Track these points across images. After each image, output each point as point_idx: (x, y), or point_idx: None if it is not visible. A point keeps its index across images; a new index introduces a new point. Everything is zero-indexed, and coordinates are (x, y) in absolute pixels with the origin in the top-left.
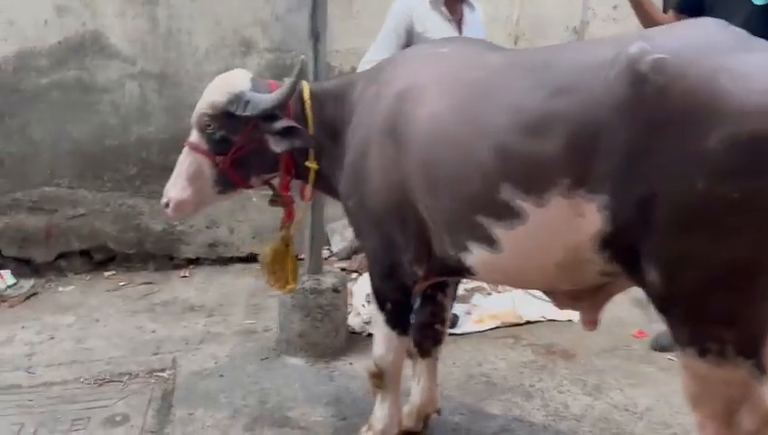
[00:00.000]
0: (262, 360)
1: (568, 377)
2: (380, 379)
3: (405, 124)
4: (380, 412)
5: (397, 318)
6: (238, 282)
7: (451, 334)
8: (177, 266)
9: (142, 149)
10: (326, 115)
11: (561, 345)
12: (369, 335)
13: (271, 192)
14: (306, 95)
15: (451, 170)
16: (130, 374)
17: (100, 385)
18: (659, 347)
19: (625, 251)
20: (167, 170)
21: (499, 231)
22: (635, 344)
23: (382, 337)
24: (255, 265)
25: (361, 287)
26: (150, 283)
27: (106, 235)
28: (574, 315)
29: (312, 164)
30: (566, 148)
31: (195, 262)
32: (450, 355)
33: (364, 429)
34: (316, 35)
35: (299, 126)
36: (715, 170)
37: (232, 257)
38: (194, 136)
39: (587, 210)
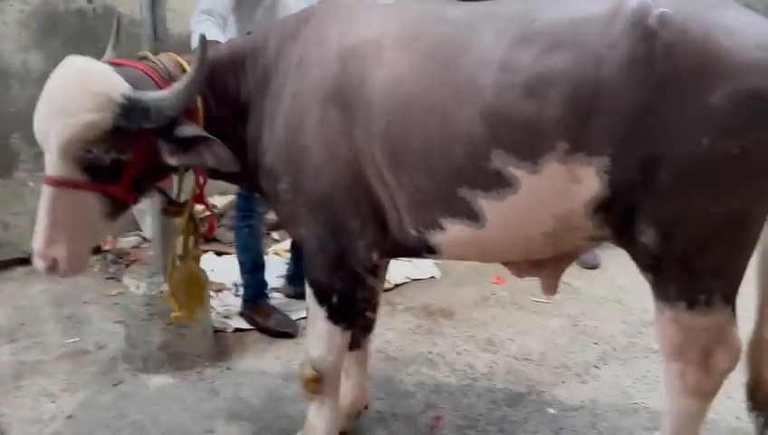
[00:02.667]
0: (115, 386)
1: (458, 336)
2: (319, 383)
3: (356, 89)
4: (319, 421)
5: (343, 311)
6: (32, 291)
7: None
8: None
9: None
10: (224, 89)
11: (436, 304)
12: (236, 331)
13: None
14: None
15: (426, 141)
16: None
17: None
18: None
19: (619, 215)
20: None
21: (485, 203)
22: (499, 291)
23: (323, 335)
24: None
25: None
26: None
27: None
28: (435, 271)
29: None
30: (565, 109)
31: None
32: None
33: None
34: None
35: (212, 138)
36: (718, 127)
37: (12, 260)
38: (59, 169)
39: (584, 175)
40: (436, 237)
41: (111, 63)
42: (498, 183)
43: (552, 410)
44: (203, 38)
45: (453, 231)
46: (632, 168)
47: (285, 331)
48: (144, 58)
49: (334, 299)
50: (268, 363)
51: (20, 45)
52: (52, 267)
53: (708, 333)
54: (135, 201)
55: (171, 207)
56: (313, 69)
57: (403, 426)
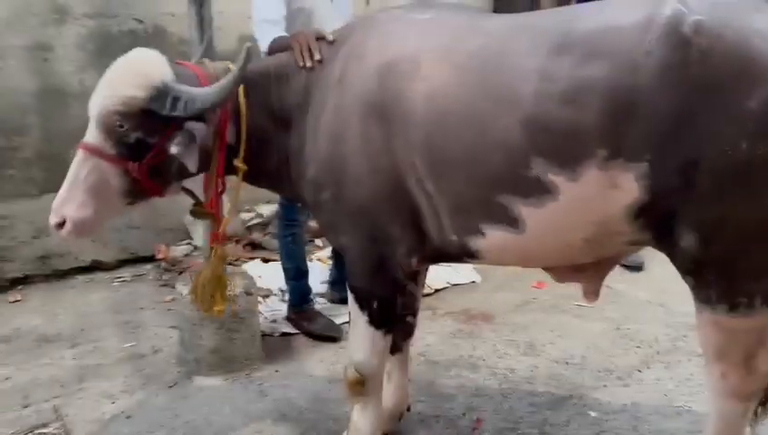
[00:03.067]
0: (170, 388)
1: (498, 340)
2: (362, 386)
3: (395, 103)
4: (362, 422)
5: (384, 316)
6: (92, 298)
7: None
8: (1, 289)
9: None
10: (269, 100)
11: (476, 309)
12: (283, 335)
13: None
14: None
15: (465, 150)
16: None
17: None
18: None
19: (659, 219)
20: None
21: (525, 210)
22: (540, 296)
23: (365, 339)
24: (104, 275)
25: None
26: None
27: None
28: (475, 277)
29: (240, 164)
30: (603, 116)
31: (24, 281)
32: None
33: None
34: None
35: (196, 137)
36: (757, 131)
37: (71, 269)
38: (94, 137)
39: (623, 181)
40: (476, 243)
41: (176, 62)
42: (538, 190)
43: (593, 414)
44: (248, 50)
45: (493, 237)
46: (671, 173)
47: (329, 335)
48: (201, 63)
49: (375, 304)
50: (314, 366)
51: (77, 66)
52: (60, 224)
53: (750, 334)
54: (154, 191)
55: (198, 209)
56: (353, 84)
57: (444, 428)
